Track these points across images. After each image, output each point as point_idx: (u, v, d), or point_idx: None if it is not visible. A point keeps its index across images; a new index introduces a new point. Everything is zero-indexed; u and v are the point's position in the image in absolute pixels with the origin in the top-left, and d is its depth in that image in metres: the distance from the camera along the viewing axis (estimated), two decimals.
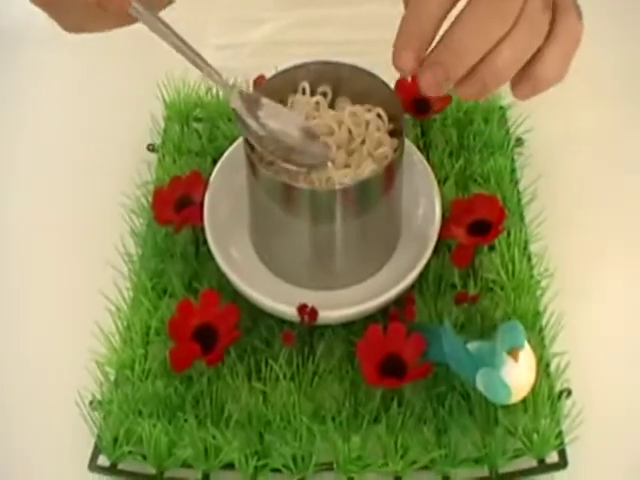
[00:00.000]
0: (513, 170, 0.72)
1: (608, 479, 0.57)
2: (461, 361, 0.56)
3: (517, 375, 0.54)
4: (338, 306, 0.60)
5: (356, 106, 0.62)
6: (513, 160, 0.73)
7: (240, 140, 0.66)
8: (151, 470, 0.57)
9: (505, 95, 0.74)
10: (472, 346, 0.57)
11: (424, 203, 0.65)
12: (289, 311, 0.60)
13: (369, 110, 0.62)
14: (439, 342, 0.57)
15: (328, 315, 0.60)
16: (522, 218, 0.68)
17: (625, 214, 0.70)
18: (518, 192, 0.70)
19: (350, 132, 0.61)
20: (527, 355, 0.54)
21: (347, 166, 0.60)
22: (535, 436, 0.56)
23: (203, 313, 0.60)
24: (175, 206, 0.66)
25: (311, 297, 0.60)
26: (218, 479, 0.57)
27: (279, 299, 0.60)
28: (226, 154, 0.67)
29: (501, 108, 0.76)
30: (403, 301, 0.62)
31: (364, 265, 0.64)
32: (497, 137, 0.73)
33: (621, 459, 0.58)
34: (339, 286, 0.63)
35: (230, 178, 0.66)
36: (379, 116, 0.61)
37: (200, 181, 0.66)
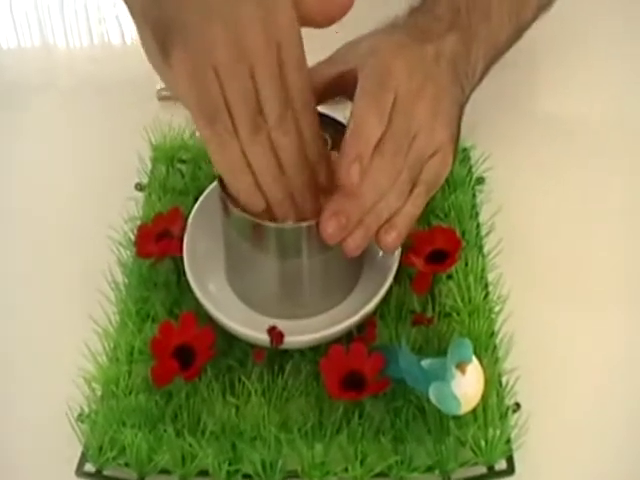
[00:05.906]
0: (473, 205, 0.77)
1: None
2: (416, 376, 0.61)
3: (465, 387, 0.58)
4: (304, 332, 0.65)
5: None
6: (474, 196, 0.78)
7: None
8: (133, 476, 0.61)
9: (467, 137, 0.81)
10: (425, 363, 0.61)
11: None
12: (259, 336, 0.65)
13: None
14: (396, 360, 0.62)
15: (295, 340, 0.65)
16: (480, 249, 0.74)
17: (574, 243, 0.77)
18: (478, 225, 0.76)
19: None
20: (475, 369, 0.59)
21: None
22: (483, 444, 0.61)
23: (182, 334, 0.64)
24: (156, 239, 0.71)
25: (280, 325, 0.65)
26: None
27: (249, 325, 0.65)
28: (205, 192, 0.72)
29: (464, 150, 0.82)
30: (365, 325, 0.67)
31: (329, 296, 0.68)
32: (459, 176, 0.79)
33: (564, 466, 0.62)
34: (306, 316, 0.68)
35: (209, 215, 0.70)
36: None
37: (179, 217, 0.71)
